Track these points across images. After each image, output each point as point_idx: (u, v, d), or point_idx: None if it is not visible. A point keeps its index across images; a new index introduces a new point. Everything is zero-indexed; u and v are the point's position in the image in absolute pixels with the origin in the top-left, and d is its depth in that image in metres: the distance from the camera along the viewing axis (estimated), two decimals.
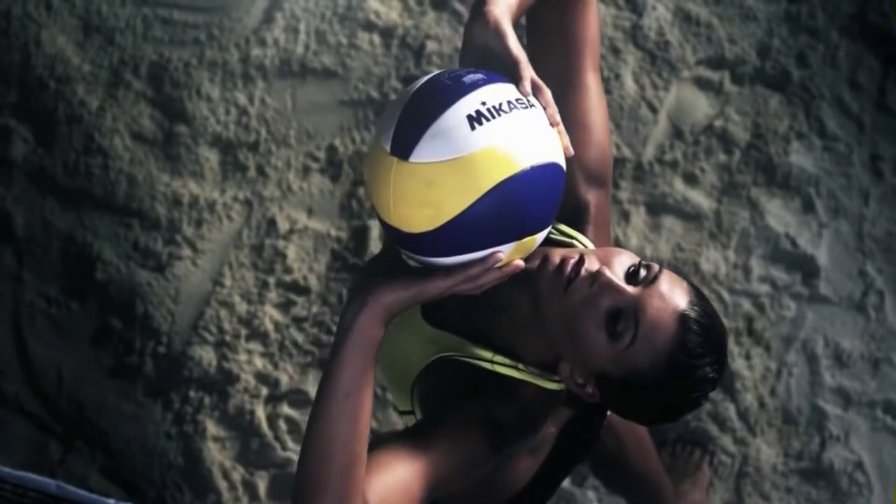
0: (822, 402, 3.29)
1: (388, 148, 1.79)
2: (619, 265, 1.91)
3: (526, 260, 1.95)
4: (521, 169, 1.76)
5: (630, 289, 1.88)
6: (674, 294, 1.90)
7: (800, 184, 3.44)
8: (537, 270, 1.94)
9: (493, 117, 1.76)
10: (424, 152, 1.76)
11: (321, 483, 1.73)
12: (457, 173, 1.75)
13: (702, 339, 1.89)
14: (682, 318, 1.88)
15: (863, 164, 3.46)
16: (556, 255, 1.93)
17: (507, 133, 1.76)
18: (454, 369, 1.98)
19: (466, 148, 1.75)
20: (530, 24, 2.11)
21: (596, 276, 1.88)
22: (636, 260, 1.92)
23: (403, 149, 1.77)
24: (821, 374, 3.30)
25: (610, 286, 1.87)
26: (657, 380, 1.88)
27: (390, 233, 1.82)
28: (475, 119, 1.76)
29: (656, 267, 1.91)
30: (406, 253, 1.83)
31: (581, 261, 1.90)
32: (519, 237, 1.79)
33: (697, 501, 3.19)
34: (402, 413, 2.10)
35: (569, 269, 1.89)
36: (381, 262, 1.83)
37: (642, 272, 1.91)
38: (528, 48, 2.06)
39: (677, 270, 3.36)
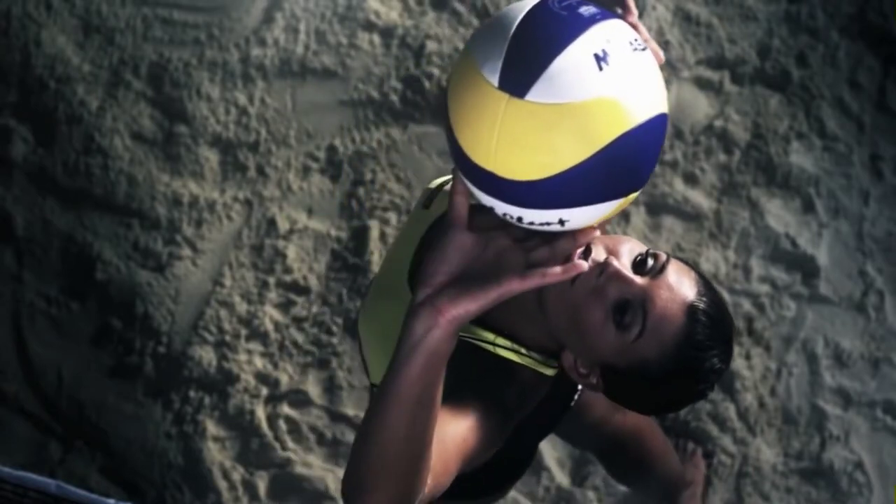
0: (822, 402, 3.29)
1: (494, 82, 1.58)
2: (626, 255, 1.86)
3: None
4: (642, 120, 1.59)
5: (638, 279, 1.83)
6: (682, 285, 1.85)
7: (800, 184, 3.44)
8: None
9: (619, 59, 1.58)
10: (544, 91, 1.56)
11: (396, 474, 1.64)
12: (580, 119, 1.56)
13: (710, 330, 1.84)
14: (691, 309, 1.84)
15: (863, 164, 3.46)
16: None
17: (632, 79, 1.59)
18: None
19: (592, 91, 1.56)
20: None
21: (603, 266, 1.83)
22: (643, 249, 1.87)
23: (517, 84, 1.57)
24: (821, 374, 3.30)
25: (618, 277, 1.82)
26: (664, 371, 1.84)
27: (479, 177, 1.62)
28: (602, 59, 1.58)
29: (664, 256, 1.86)
30: (492, 201, 1.63)
31: (588, 250, 1.84)
32: (626, 194, 1.63)
33: (698, 479, 3.19)
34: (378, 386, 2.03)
35: (575, 258, 1.84)
36: (442, 260, 1.63)
37: (650, 262, 1.85)
38: None
39: None
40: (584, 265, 1.60)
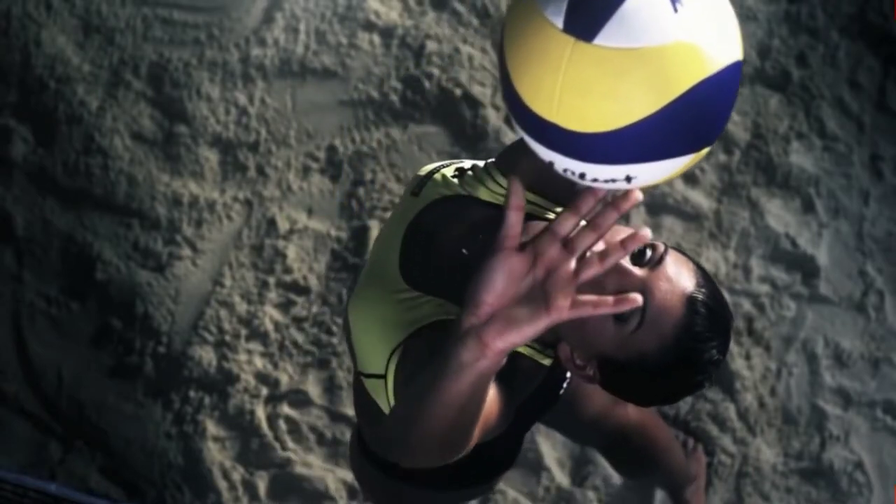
0: (822, 402, 3.29)
1: (558, 24, 1.44)
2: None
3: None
4: (720, 67, 1.48)
5: (637, 271, 1.80)
6: (681, 276, 1.82)
7: (800, 184, 3.44)
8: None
9: (695, 0, 1.46)
10: (614, 34, 1.43)
11: (444, 446, 1.62)
12: (655, 64, 1.44)
13: (709, 322, 1.81)
14: (690, 300, 1.80)
15: (863, 164, 3.46)
16: None
17: (709, 22, 1.47)
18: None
19: (668, 35, 1.44)
20: None
21: (602, 257, 1.83)
22: None
23: (585, 27, 1.43)
24: (821, 374, 3.30)
25: (616, 268, 1.79)
26: (662, 364, 1.81)
27: (539, 128, 1.49)
28: (676, 0, 1.45)
29: (662, 247, 1.83)
30: (551, 154, 1.51)
31: None
32: (698, 149, 1.51)
33: (700, 474, 3.19)
34: (366, 376, 1.98)
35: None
36: (489, 287, 1.48)
37: (648, 253, 1.82)
38: None
39: None
40: (640, 299, 1.46)
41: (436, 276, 1.96)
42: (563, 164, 1.50)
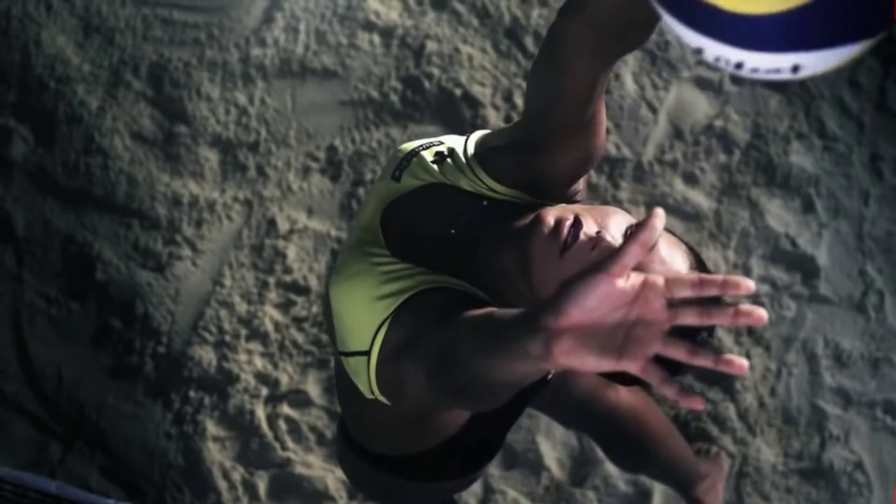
0: (822, 402, 3.29)
1: None
2: (616, 227, 1.81)
3: (518, 219, 1.87)
4: None
5: None
6: (674, 258, 1.81)
7: (800, 184, 3.44)
8: (529, 231, 1.83)
9: None
10: None
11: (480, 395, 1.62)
12: None
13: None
14: None
15: (863, 164, 3.46)
16: (550, 215, 1.82)
17: None
18: (446, 296, 1.85)
19: None
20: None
21: (596, 240, 1.77)
22: (633, 221, 1.83)
23: None
24: (821, 374, 3.30)
25: (610, 251, 1.73)
26: None
27: (691, 10, 1.31)
28: None
29: None
30: (703, 41, 1.32)
31: (578, 223, 1.80)
32: (875, 32, 1.31)
33: (716, 474, 3.17)
34: (348, 355, 1.94)
35: (565, 231, 1.79)
36: (580, 302, 1.36)
37: None
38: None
39: None
40: (701, 404, 1.35)
41: (422, 252, 1.95)
42: (717, 51, 1.32)
